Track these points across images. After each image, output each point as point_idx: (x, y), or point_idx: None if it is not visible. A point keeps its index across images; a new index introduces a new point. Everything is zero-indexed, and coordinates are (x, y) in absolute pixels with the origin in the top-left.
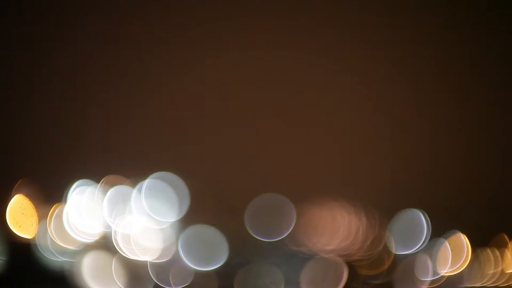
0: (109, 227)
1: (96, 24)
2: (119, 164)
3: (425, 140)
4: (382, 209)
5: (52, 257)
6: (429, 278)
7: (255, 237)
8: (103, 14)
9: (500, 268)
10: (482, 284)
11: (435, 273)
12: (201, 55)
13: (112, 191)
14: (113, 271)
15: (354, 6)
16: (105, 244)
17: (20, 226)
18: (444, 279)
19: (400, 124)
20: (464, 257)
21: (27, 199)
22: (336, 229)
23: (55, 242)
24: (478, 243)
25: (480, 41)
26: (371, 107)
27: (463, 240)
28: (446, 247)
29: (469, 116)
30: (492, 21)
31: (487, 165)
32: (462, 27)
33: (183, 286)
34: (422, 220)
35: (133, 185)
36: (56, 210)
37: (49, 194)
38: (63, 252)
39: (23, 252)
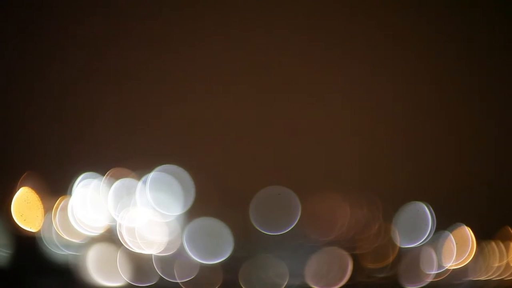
0: (114, 220)
1: (103, 19)
2: (124, 157)
3: (430, 135)
4: (387, 202)
5: (57, 250)
6: (434, 271)
7: (259, 230)
8: (108, 12)
9: (505, 261)
10: (487, 277)
11: (440, 266)
12: (205, 52)
13: (117, 184)
14: (118, 265)
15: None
16: (110, 238)
17: (25, 219)
18: (449, 272)
19: (405, 118)
20: (469, 250)
21: (33, 191)
22: (341, 222)
23: (60, 235)
24: (482, 236)
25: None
26: (377, 101)
27: (468, 233)
28: (451, 240)
29: (472, 113)
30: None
31: (491, 158)
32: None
33: (188, 279)
34: (427, 213)
35: (138, 178)
36: (61, 203)
37: (55, 187)
38: (68, 245)
39: (28, 245)
